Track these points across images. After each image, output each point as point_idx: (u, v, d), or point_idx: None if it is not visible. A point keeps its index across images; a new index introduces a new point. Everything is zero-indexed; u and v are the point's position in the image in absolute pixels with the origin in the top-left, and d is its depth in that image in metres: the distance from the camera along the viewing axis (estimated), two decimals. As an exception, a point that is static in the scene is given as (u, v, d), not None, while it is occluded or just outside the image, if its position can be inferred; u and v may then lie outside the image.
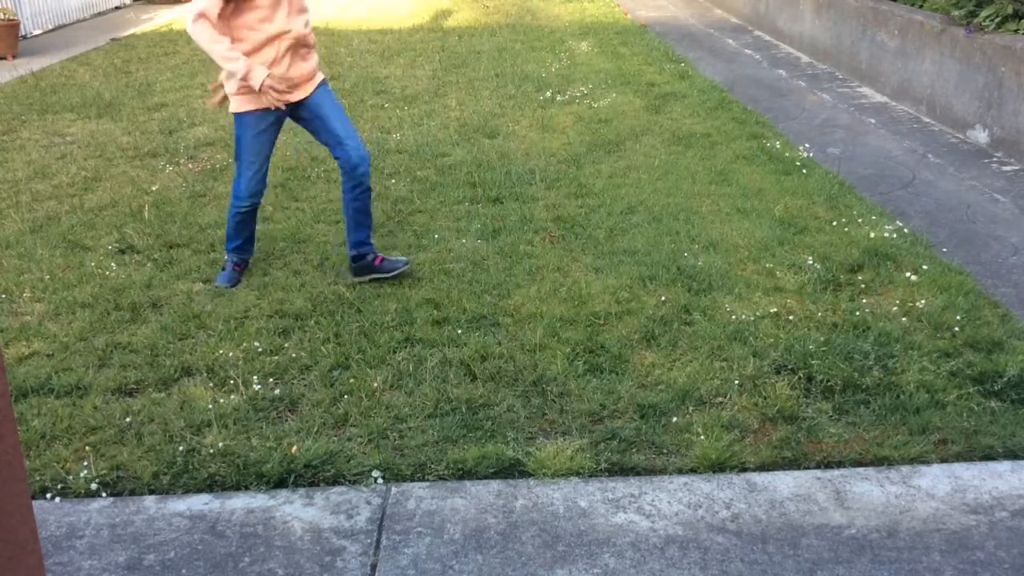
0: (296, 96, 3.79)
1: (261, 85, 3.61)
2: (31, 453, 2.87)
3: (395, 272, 3.98)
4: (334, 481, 2.75)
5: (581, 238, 4.44)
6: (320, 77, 3.90)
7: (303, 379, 3.28)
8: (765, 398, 3.08)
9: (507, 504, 2.61)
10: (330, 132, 3.84)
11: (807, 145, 5.91)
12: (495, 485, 2.70)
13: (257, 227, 4.71)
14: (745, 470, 2.75)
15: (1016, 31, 5.75)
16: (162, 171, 5.70)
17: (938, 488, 2.65)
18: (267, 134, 3.83)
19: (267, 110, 3.76)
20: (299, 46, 3.75)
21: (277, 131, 3.88)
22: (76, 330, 3.65)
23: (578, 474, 2.74)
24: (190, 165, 5.83)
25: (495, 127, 6.43)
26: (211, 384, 3.26)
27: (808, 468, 2.76)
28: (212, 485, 2.74)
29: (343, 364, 3.36)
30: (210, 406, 3.10)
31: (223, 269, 4.11)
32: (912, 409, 3.00)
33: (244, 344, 3.51)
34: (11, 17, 9.82)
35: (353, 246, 3.98)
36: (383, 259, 4.01)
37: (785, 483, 2.68)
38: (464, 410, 3.06)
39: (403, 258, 4.08)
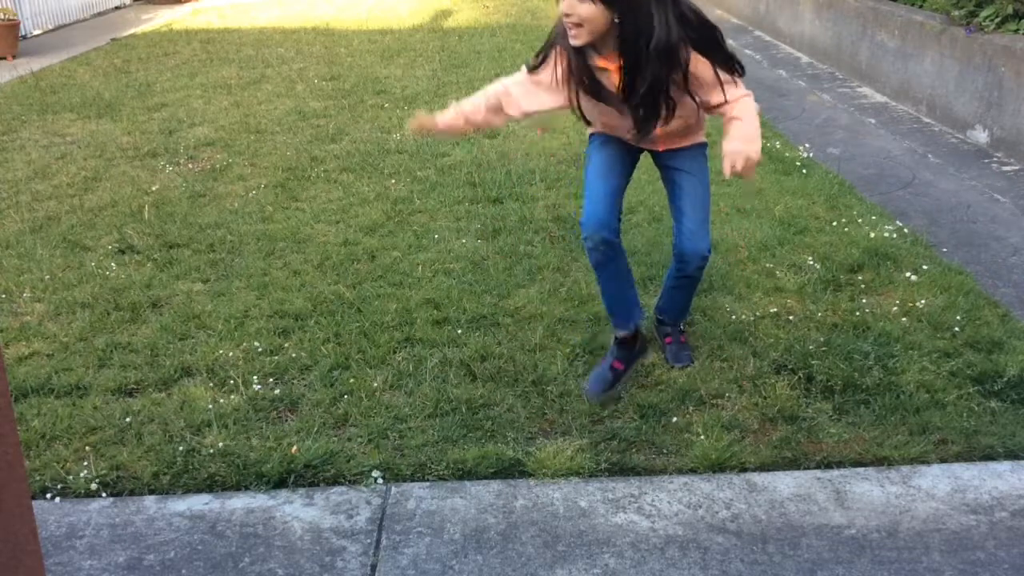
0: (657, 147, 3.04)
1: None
2: (31, 453, 2.87)
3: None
4: (334, 481, 2.74)
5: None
6: (693, 140, 3.06)
7: (303, 379, 3.28)
8: (765, 398, 3.08)
9: (507, 504, 2.61)
10: (677, 205, 3.08)
11: (807, 145, 5.91)
12: (495, 485, 2.70)
13: (258, 227, 4.72)
14: (745, 470, 2.75)
15: (1016, 31, 5.75)
16: (162, 171, 5.70)
17: (938, 488, 2.65)
18: (607, 158, 3.08)
19: (605, 134, 3.07)
20: None
21: (623, 160, 3.09)
22: (76, 330, 3.65)
23: (578, 474, 2.74)
24: (190, 165, 5.83)
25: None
26: (211, 384, 3.26)
27: (808, 468, 2.76)
28: (212, 485, 2.74)
29: (343, 364, 3.35)
30: (210, 406, 3.10)
31: (598, 366, 3.19)
32: (912, 409, 3.00)
33: (244, 344, 3.51)
34: (11, 17, 9.82)
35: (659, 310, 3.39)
36: (671, 341, 3.34)
37: (785, 483, 2.68)
38: (464, 410, 3.06)
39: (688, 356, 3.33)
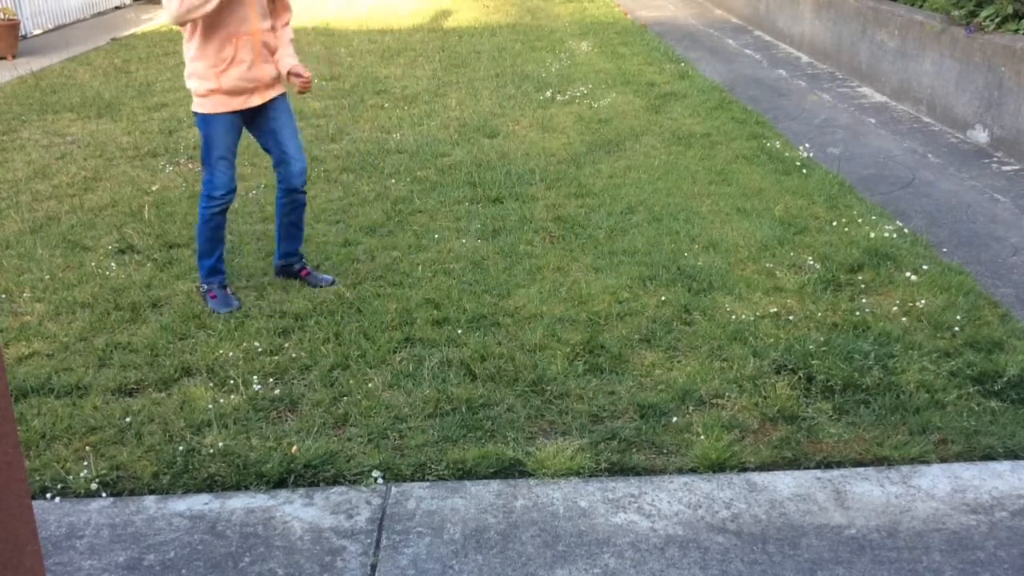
0: (256, 101, 3.69)
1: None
2: (31, 453, 2.88)
3: (316, 287, 3.99)
4: (334, 481, 2.75)
5: (581, 238, 4.44)
6: (282, 88, 3.81)
7: (303, 379, 3.28)
8: (765, 398, 3.08)
9: (507, 504, 2.61)
10: (279, 146, 3.80)
11: (807, 145, 5.91)
12: (495, 485, 2.70)
13: (258, 227, 4.72)
14: (745, 470, 2.75)
15: (1016, 31, 5.75)
16: (162, 171, 5.70)
17: (938, 488, 2.65)
18: (235, 131, 3.71)
19: (235, 112, 3.66)
20: (263, 48, 3.65)
21: (238, 130, 3.75)
22: (76, 330, 3.65)
23: (578, 474, 2.74)
24: (190, 165, 5.83)
25: (495, 127, 6.43)
26: (211, 384, 3.26)
27: (808, 468, 2.76)
28: (212, 485, 2.74)
29: (343, 364, 3.35)
30: (210, 406, 3.10)
31: (212, 298, 3.82)
32: (912, 409, 3.00)
33: (244, 344, 3.51)
34: (11, 17, 9.82)
35: (282, 256, 4.05)
36: (309, 272, 4.06)
37: (785, 483, 2.68)
38: (464, 410, 3.06)
39: (329, 276, 4.05)
